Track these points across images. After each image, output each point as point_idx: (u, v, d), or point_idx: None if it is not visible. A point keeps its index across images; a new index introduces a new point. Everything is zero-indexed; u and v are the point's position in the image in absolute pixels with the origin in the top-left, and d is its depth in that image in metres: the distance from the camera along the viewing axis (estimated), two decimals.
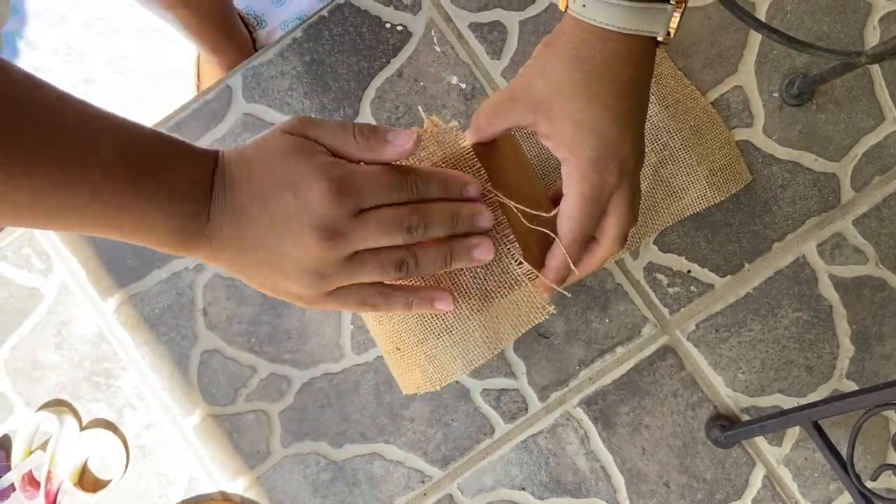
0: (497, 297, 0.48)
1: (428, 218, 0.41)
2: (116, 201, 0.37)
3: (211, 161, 0.40)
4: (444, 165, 0.46)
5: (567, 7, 0.42)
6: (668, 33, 0.41)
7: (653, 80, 0.62)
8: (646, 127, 0.61)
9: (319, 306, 0.42)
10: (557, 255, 0.45)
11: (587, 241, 0.45)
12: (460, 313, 0.48)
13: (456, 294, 0.47)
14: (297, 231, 0.38)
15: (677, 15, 0.41)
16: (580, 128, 0.41)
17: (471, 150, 0.46)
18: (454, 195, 0.43)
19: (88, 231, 0.38)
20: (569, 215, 0.43)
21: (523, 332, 0.49)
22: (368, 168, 0.41)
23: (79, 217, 0.36)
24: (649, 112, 0.61)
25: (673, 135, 0.61)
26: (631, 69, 0.41)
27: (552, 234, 0.45)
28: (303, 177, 0.38)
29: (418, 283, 0.47)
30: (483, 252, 0.44)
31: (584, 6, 0.40)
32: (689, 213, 0.62)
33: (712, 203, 0.62)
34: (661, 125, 0.62)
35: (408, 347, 0.50)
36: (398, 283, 0.45)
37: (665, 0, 0.41)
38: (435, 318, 0.48)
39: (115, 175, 0.36)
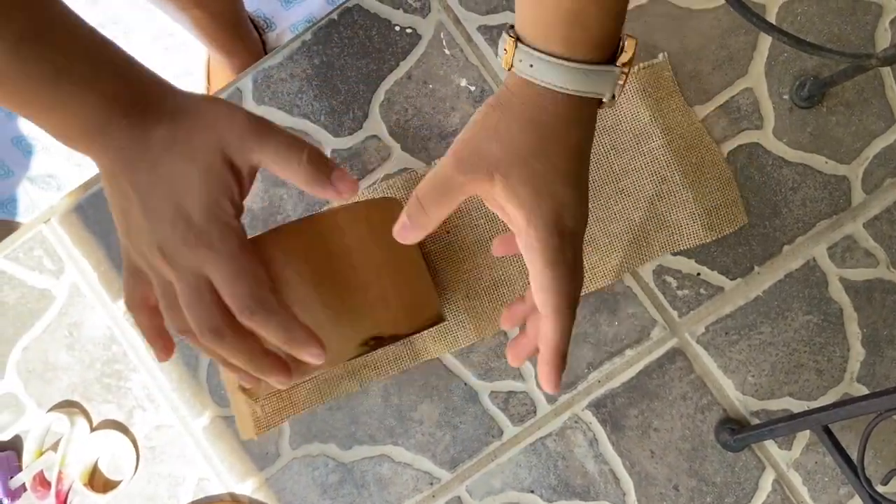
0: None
1: (218, 333, 0.38)
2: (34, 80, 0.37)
3: (146, 87, 0.40)
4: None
5: (512, 67, 0.40)
6: (614, 96, 0.41)
7: (659, 112, 0.62)
8: (647, 159, 0.61)
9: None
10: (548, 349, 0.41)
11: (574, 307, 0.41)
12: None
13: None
14: (150, 224, 0.39)
15: (623, 77, 0.40)
16: (539, 193, 0.39)
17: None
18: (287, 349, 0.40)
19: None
20: (548, 289, 0.40)
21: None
22: (243, 260, 0.39)
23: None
24: (653, 144, 0.61)
25: (673, 170, 0.61)
26: (580, 131, 0.41)
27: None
28: (189, 199, 0.38)
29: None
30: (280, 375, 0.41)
31: (531, 66, 0.39)
32: (679, 249, 0.62)
33: (704, 242, 0.61)
34: (662, 158, 0.61)
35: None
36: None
37: (612, 62, 0.40)
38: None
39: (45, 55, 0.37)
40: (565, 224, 0.40)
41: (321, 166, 0.41)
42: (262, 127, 0.40)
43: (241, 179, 0.41)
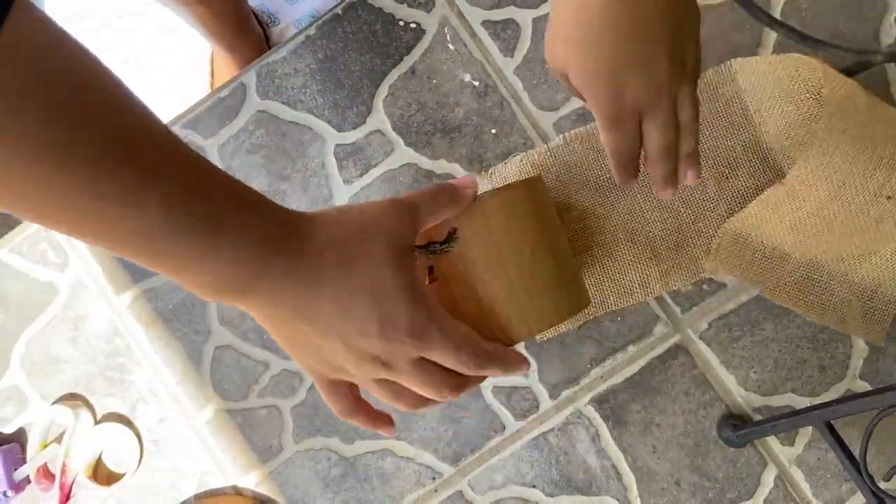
0: None
1: (459, 389, 0.44)
2: (179, 239, 0.35)
3: (292, 222, 0.40)
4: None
5: None
6: None
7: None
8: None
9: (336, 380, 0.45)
10: None
11: None
12: None
13: None
14: (352, 345, 0.40)
15: None
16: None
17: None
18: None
19: (129, 254, 0.36)
20: None
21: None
22: (453, 329, 0.42)
23: (135, 240, 0.35)
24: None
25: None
26: None
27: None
28: (388, 307, 0.40)
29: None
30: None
31: None
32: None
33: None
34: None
35: None
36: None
37: None
38: None
39: (188, 212, 0.35)
40: None
41: (454, 194, 0.45)
42: (413, 207, 0.43)
43: (413, 252, 0.44)
